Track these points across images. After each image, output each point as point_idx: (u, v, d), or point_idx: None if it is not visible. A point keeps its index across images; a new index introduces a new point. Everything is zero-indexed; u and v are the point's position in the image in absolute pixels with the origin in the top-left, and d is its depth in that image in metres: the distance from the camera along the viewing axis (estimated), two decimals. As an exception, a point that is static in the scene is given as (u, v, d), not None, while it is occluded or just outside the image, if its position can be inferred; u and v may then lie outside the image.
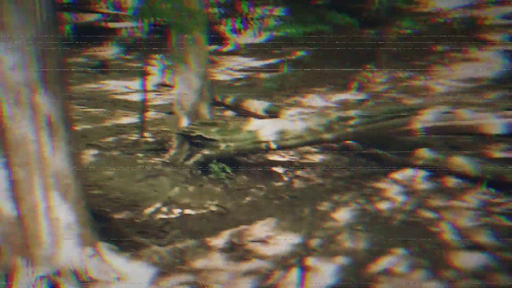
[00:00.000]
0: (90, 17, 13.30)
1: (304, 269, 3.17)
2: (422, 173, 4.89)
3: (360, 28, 10.74)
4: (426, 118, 4.99)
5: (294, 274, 3.12)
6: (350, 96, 8.93)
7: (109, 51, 12.48)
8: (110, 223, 3.44)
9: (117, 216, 3.79)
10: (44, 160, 2.79)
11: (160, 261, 3.18)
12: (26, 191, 2.80)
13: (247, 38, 13.36)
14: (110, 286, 2.90)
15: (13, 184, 2.79)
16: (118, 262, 3.04)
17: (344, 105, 8.27)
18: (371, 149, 5.41)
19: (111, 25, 13.07)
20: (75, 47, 11.70)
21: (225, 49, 12.73)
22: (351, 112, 5.35)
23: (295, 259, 3.32)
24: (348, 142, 5.54)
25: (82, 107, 7.63)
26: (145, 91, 6.50)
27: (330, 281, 3.03)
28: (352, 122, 5.05)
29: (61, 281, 2.83)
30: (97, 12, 13.70)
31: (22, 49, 2.63)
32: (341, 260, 3.30)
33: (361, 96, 8.88)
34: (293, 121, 5.31)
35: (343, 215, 4.12)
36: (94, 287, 2.87)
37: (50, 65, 2.74)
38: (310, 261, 3.28)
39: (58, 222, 2.88)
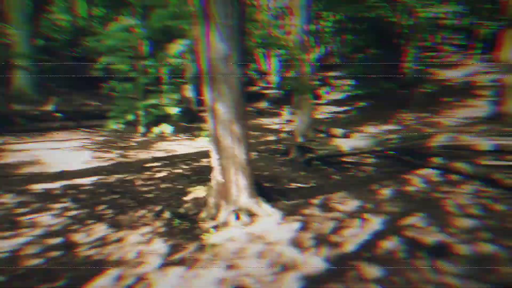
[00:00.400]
0: (254, 88, 13.96)
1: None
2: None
3: (398, 89, 9.92)
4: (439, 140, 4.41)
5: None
6: (391, 127, 8.15)
7: (263, 104, 13.00)
8: (262, 187, 3.47)
9: (265, 184, 3.81)
10: (235, 156, 2.93)
11: (286, 208, 3.17)
12: (227, 170, 2.96)
13: (333, 96, 12.93)
14: (263, 218, 2.93)
15: (221, 167, 2.97)
16: (266, 207, 3.07)
17: (388, 131, 7.58)
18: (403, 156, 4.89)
19: (264, 91, 13.62)
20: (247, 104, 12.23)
21: (320, 102, 12.47)
22: (392, 135, 4.91)
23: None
24: (387, 152, 5.02)
25: (250, 131, 7.92)
26: (280, 123, 6.68)
27: None
28: (392, 141, 4.71)
29: (240, 213, 2.92)
30: (257, 85, 14.35)
31: (228, 105, 2.79)
32: None
33: (396, 127, 8.06)
34: (359, 140, 5.06)
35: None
36: (255, 218, 2.92)
37: (239, 110, 2.86)
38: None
39: (240, 185, 2.99)
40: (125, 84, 7.13)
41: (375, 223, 2.86)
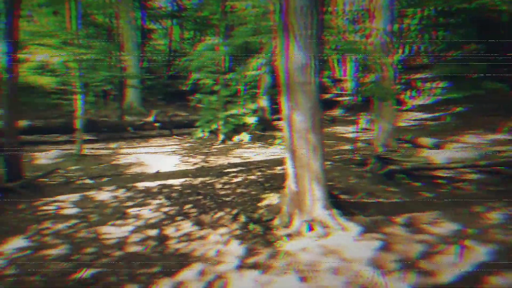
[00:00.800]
0: (328, 95, 13.56)
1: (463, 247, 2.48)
2: None
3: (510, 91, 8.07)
4: None
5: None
6: (501, 136, 6.70)
7: (337, 112, 12.49)
8: (337, 199, 3.35)
9: (341, 196, 3.65)
10: (310, 165, 2.89)
11: (364, 224, 2.94)
12: (301, 179, 2.93)
13: (419, 101, 11.49)
14: (337, 232, 2.79)
15: (296, 176, 2.96)
16: (341, 220, 2.92)
17: (496, 142, 6.26)
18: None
19: (339, 98, 13.10)
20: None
21: (404, 108, 11.24)
22: (504, 147, 4.03)
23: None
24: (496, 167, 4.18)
25: (324, 140, 7.65)
26: (356, 132, 6.30)
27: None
28: (504, 153, 3.85)
29: (314, 224, 2.85)
30: (331, 93, 13.92)
31: (304, 114, 2.79)
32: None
33: (508, 136, 6.57)
34: (455, 151, 4.33)
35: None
36: (329, 231, 2.80)
37: (316, 119, 2.84)
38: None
39: (314, 195, 2.92)
40: (210, 96, 7.89)
41: (480, 252, 2.39)
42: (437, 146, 5.61)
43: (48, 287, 2.10)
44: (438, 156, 4.32)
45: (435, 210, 3.28)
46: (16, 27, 3.81)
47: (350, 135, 8.21)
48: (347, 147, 6.93)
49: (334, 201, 3.11)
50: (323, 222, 2.88)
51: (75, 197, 3.76)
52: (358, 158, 5.60)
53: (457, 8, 8.96)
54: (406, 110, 11.01)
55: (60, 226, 2.99)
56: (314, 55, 2.69)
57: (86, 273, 2.26)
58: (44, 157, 5.73)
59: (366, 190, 3.98)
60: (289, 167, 3.01)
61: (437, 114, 9.79)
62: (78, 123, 6.03)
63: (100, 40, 11.21)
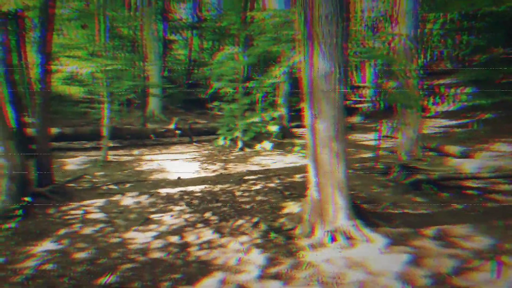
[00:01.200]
0: (346, 102, 13.36)
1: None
2: None
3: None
4: None
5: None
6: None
7: (355, 119, 12.22)
8: (361, 209, 3.23)
9: (364, 206, 3.52)
10: (333, 172, 2.83)
11: (391, 236, 2.82)
12: (324, 188, 2.87)
13: (443, 107, 11.03)
14: (362, 243, 2.70)
15: (318, 184, 2.90)
16: (366, 231, 2.82)
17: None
18: None
19: (358, 105, 12.85)
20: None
21: (428, 114, 10.83)
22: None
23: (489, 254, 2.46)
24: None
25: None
26: (378, 139, 6.11)
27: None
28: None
29: (337, 235, 2.78)
30: (349, 99, 13.70)
31: (328, 122, 2.74)
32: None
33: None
34: (486, 160, 4.08)
35: None
36: (353, 242, 2.72)
37: (339, 127, 2.78)
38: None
39: (337, 204, 2.85)
40: (231, 104, 7.98)
41: None
42: (465, 155, 5.33)
43: (76, 290, 2.15)
44: (467, 165, 4.08)
45: (467, 222, 3.11)
46: (49, 40, 4.02)
47: (371, 143, 7.98)
48: (368, 155, 6.73)
49: (357, 211, 3.01)
50: (347, 232, 2.80)
51: (100, 202, 3.87)
52: (381, 166, 5.41)
53: (484, 11, 8.62)
54: (430, 117, 10.60)
55: (86, 230, 3.07)
56: (339, 63, 2.65)
57: (111, 277, 2.29)
58: (72, 163, 5.97)
59: (391, 200, 3.84)
60: (311, 175, 2.96)
61: (463, 121, 9.35)
62: (104, 131, 6.24)
63: (124, 52, 11.70)
